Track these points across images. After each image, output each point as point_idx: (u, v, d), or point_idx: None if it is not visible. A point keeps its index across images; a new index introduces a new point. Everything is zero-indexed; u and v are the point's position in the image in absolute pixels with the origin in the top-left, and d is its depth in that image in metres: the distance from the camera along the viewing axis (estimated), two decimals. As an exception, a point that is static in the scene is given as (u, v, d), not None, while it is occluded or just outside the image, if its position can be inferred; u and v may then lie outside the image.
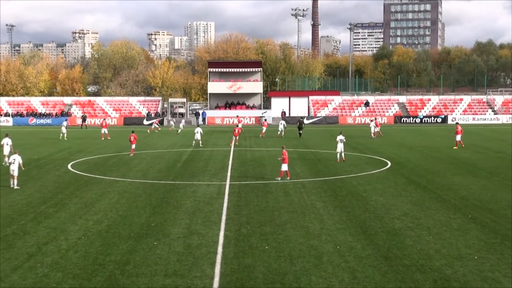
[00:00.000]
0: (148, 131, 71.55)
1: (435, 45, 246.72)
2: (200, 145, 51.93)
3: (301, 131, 63.18)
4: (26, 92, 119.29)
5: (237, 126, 65.97)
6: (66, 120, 64.37)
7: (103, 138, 60.26)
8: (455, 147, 47.80)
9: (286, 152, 32.37)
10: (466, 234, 20.17)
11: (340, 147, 39.66)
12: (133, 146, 44.84)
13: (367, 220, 22.19)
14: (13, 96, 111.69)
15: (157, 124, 77.00)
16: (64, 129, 61.41)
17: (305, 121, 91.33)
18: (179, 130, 69.90)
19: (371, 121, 66.38)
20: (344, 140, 40.54)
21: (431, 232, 20.37)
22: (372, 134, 61.57)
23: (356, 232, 20.48)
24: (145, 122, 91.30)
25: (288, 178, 31.99)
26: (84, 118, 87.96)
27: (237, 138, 54.29)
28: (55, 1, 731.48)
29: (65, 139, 59.16)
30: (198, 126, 60.04)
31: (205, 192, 28.37)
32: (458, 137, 48.57)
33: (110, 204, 25.50)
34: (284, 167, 32.07)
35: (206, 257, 17.57)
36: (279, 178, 31.89)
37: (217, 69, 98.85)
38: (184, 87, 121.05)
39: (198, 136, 52.28)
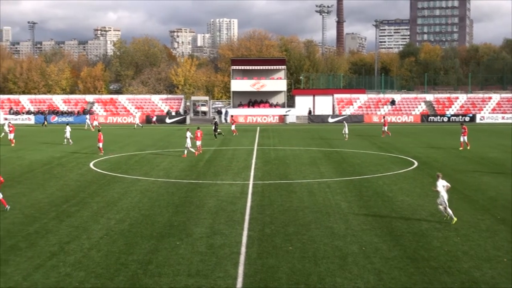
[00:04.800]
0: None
1: (463, 42, 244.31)
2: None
3: (216, 132, 59.89)
4: (48, 90, 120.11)
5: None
6: (68, 124, 60.80)
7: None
8: (461, 148, 46.75)
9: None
10: (495, 235, 19.78)
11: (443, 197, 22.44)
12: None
13: (393, 221, 21.85)
14: (35, 94, 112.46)
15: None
16: (68, 134, 54.28)
17: (330, 120, 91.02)
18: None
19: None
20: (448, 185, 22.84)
21: (459, 234, 19.99)
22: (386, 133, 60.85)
23: (382, 233, 20.15)
24: (168, 120, 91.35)
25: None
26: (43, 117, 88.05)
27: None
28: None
29: (71, 143, 53.17)
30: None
31: (228, 192, 28.18)
32: (464, 138, 47.45)
33: (133, 203, 25.42)
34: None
35: (229, 257, 17.38)
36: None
37: (240, 67, 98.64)
38: (206, 85, 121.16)
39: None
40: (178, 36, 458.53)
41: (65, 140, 53.71)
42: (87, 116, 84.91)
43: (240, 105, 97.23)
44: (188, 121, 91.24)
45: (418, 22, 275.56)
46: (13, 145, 52.11)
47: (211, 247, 18.45)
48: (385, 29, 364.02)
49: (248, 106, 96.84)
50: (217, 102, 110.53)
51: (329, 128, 64.82)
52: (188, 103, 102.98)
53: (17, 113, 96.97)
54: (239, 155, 43.82)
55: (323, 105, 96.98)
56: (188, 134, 43.79)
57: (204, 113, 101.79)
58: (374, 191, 28.15)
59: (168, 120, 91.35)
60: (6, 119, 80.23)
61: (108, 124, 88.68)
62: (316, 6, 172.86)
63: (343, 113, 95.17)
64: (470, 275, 15.79)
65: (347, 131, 57.38)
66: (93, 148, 48.97)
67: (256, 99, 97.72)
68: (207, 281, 15.40)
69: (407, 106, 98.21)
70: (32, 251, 18.08)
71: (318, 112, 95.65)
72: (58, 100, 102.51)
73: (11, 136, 54.50)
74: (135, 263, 16.85)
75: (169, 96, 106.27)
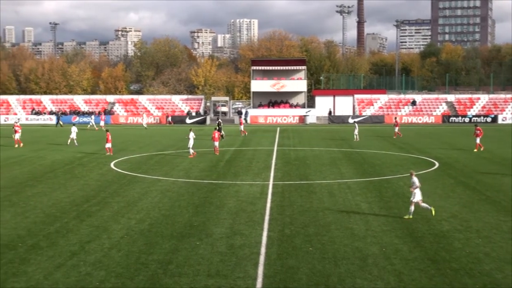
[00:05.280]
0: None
1: (485, 42, 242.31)
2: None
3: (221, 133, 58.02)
4: (69, 90, 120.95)
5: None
6: (74, 124, 59.73)
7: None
8: (475, 150, 45.90)
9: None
10: (517, 237, 19.55)
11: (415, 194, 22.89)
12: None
13: (413, 222, 21.69)
14: (57, 94, 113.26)
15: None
16: (74, 134, 52.50)
17: (350, 120, 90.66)
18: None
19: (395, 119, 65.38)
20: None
21: (480, 235, 19.82)
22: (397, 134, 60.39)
23: (402, 234, 20.02)
24: (188, 121, 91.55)
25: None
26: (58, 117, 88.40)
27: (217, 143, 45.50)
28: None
29: (76, 144, 51.65)
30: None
31: (248, 192, 28.17)
32: (477, 139, 46.66)
33: (153, 203, 25.49)
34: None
35: (249, 257, 17.36)
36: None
37: (260, 67, 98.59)
38: (227, 86, 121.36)
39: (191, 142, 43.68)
40: (198, 37, 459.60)
41: (69, 140, 52.16)
42: (92, 116, 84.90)
43: (260, 106, 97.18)
44: (208, 121, 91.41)
45: (439, 22, 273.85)
46: (16, 145, 50.97)
47: (231, 247, 18.45)
48: (406, 29, 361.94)
49: (268, 107, 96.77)
50: (237, 103, 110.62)
51: (350, 129, 64.52)
52: (208, 104, 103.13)
53: (38, 113, 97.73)
54: (259, 156, 43.80)
55: (344, 105, 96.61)
56: (191, 134, 43.64)
57: (224, 113, 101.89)
58: (395, 192, 28.00)
59: (188, 121, 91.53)
60: (19, 119, 79.98)
61: (128, 124, 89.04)
62: (337, 6, 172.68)
63: (364, 113, 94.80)
64: (491, 277, 15.63)
65: (357, 132, 57.07)
66: (113, 148, 49.15)
67: (276, 100, 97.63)
68: (227, 281, 15.39)
69: (428, 107, 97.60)
70: (53, 250, 18.20)
71: (338, 112, 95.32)
72: (79, 101, 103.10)
73: (17, 136, 52.81)
74: (155, 263, 16.89)
75: (190, 96, 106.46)
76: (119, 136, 64.07)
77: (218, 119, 66.88)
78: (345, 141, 55.82)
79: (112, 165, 38.53)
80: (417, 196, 22.33)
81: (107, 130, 48.28)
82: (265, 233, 20.10)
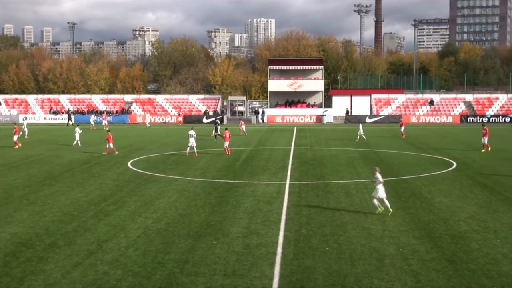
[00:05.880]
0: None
1: (504, 41, 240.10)
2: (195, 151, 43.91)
3: (216, 133, 58.09)
4: (87, 89, 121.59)
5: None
6: (78, 125, 58.12)
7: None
8: (483, 150, 45.49)
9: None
10: (536, 238, 19.38)
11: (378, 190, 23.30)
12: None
13: (431, 223, 21.59)
14: (74, 93, 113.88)
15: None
16: (77, 136, 51.37)
17: (367, 120, 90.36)
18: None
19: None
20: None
21: (498, 236, 19.67)
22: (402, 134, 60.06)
23: (419, 234, 19.93)
24: (205, 120, 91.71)
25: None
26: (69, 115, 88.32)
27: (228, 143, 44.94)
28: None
29: (79, 145, 50.71)
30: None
31: (265, 192, 28.16)
32: (485, 140, 46.13)
33: (170, 203, 25.56)
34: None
35: (265, 257, 17.35)
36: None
37: (277, 67, 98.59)
38: (244, 85, 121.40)
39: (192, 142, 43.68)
40: (215, 36, 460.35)
41: (77, 141, 51.17)
42: (92, 115, 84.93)
43: (277, 105, 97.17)
44: (225, 121, 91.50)
45: (457, 22, 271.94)
46: (16, 147, 50.02)
47: (247, 247, 18.45)
48: (424, 29, 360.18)
49: (285, 106, 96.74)
50: (254, 102, 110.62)
51: (367, 129, 64.27)
52: (225, 103, 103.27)
53: (56, 112, 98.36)
54: (276, 155, 43.78)
55: (361, 105, 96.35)
56: (192, 132, 43.66)
57: (242, 113, 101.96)
58: (412, 192, 27.87)
59: (205, 120, 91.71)
60: (25, 118, 79.91)
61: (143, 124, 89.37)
62: (354, 5, 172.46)
63: (381, 113, 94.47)
64: (510, 278, 15.50)
65: (361, 133, 56.68)
66: (130, 148, 49.44)
67: (293, 99, 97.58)
68: (243, 281, 15.39)
69: (446, 107, 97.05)
70: (71, 249, 18.29)
71: (355, 112, 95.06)
72: (97, 100, 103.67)
73: (15, 138, 51.55)
74: (172, 262, 16.94)
75: (207, 96, 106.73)
76: (136, 135, 64.40)
77: (216, 119, 66.14)
78: (362, 141, 55.62)
79: (129, 164, 38.69)
80: (381, 192, 22.75)
81: (108, 130, 48.28)
82: (281, 233, 20.08)
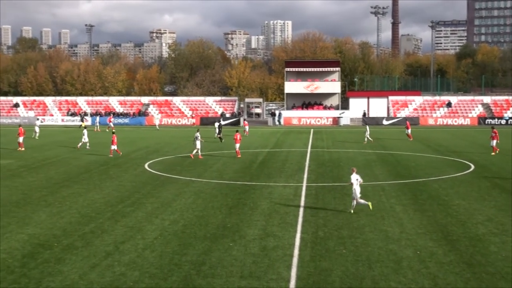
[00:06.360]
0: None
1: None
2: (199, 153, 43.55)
3: (219, 135, 57.88)
4: (104, 91, 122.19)
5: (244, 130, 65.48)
6: (85, 127, 57.58)
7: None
8: (493, 153, 44.87)
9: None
10: (555, 241, 19.20)
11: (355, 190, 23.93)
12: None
13: (448, 225, 21.46)
14: (92, 95, 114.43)
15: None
16: (86, 138, 50.49)
17: (384, 122, 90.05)
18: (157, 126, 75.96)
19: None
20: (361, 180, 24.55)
21: (517, 239, 19.50)
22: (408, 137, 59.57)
23: (437, 237, 19.81)
24: (222, 122, 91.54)
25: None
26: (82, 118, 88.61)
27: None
28: (135, 0, 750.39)
29: (87, 148, 49.71)
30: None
31: (282, 194, 28.14)
32: (494, 142, 45.68)
33: (186, 204, 25.61)
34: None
35: (282, 259, 17.33)
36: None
37: (294, 69, 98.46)
38: (260, 87, 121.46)
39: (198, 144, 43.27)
40: (232, 38, 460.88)
41: (83, 143, 50.25)
42: (97, 118, 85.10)
43: (294, 107, 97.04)
44: (241, 123, 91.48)
45: (475, 23, 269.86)
46: (19, 149, 49.36)
47: (264, 249, 18.44)
48: (441, 30, 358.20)
49: (302, 108, 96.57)
50: (270, 104, 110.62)
51: (384, 131, 64.14)
52: (242, 105, 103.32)
53: (74, 114, 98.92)
54: (293, 157, 43.73)
55: (378, 107, 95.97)
56: (197, 134, 43.68)
57: (258, 115, 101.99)
58: (429, 195, 27.72)
59: (222, 122, 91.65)
60: (38, 119, 79.37)
61: (163, 125, 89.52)
62: (371, 7, 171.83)
63: (398, 115, 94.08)
64: (529, 282, 15.38)
65: (368, 135, 56.37)
66: (147, 150, 49.60)
67: (309, 101, 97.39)
68: (260, 283, 15.38)
69: (464, 109, 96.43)
70: (88, 250, 18.38)
71: (372, 114, 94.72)
72: (114, 102, 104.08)
73: (20, 139, 50.34)
74: (189, 263, 16.96)
75: (223, 98, 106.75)
76: (153, 137, 64.59)
77: (219, 121, 65.54)
78: (379, 143, 55.44)
79: (146, 166, 38.81)
80: (356, 193, 23.49)
81: (113, 132, 48.27)
82: (298, 235, 20.05)
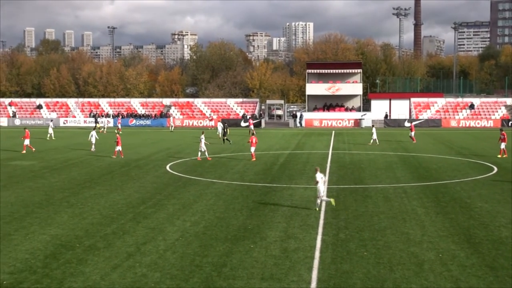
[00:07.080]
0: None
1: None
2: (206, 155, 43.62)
3: (225, 137, 57.58)
4: (127, 93, 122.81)
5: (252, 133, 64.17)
6: (94, 128, 58.00)
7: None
8: (499, 156, 44.33)
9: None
10: None
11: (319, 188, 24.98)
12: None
13: (471, 228, 21.28)
14: (114, 97, 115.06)
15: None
16: (93, 139, 50.32)
17: (406, 124, 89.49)
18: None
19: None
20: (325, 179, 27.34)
21: (541, 242, 19.28)
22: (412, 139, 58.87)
23: (459, 240, 19.65)
24: (243, 124, 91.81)
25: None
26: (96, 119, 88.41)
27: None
28: (157, 1, 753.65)
29: (92, 149, 49.49)
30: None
31: (303, 195, 28.10)
32: (503, 145, 44.98)
33: (207, 206, 25.65)
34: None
35: (303, 261, 17.30)
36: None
37: (315, 70, 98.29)
38: (282, 89, 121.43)
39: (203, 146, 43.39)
40: (253, 40, 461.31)
41: (92, 145, 50.05)
42: (104, 119, 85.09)
43: (315, 109, 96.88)
44: (263, 124, 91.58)
45: (498, 24, 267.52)
46: (23, 152, 48.71)
47: (285, 251, 18.42)
48: (464, 32, 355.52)
49: (323, 110, 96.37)
50: (292, 106, 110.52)
51: (406, 133, 63.71)
52: (263, 107, 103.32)
53: (95, 116, 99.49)
54: (314, 159, 43.64)
55: (400, 109, 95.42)
56: (202, 137, 43.69)
57: (279, 116, 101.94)
58: (452, 197, 27.51)
59: (243, 124, 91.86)
60: (51, 120, 79.24)
61: (184, 127, 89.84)
62: (393, 8, 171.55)
63: (420, 117, 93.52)
64: (553, 286, 15.20)
65: (375, 136, 55.99)
66: (169, 151, 49.77)
67: (331, 103, 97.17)
68: (281, 285, 15.36)
69: (487, 111, 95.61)
70: (110, 251, 18.48)
71: (394, 116, 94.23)
72: (136, 104, 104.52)
73: (26, 142, 49.85)
74: (210, 265, 16.99)
75: (245, 99, 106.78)
76: (174, 139, 64.81)
77: (224, 123, 65.05)
78: (400, 145, 55.13)
79: (167, 167, 38.94)
80: (320, 191, 24.59)
81: (119, 133, 48.29)
82: (319, 237, 20.00)
